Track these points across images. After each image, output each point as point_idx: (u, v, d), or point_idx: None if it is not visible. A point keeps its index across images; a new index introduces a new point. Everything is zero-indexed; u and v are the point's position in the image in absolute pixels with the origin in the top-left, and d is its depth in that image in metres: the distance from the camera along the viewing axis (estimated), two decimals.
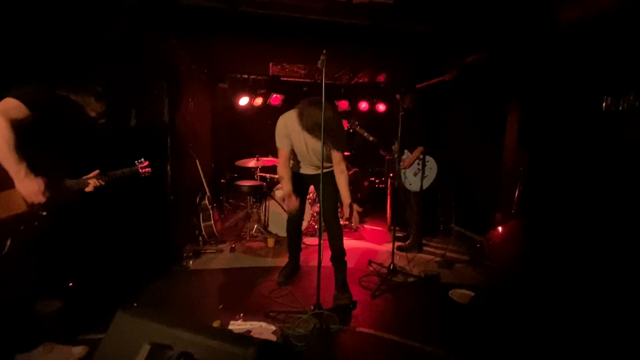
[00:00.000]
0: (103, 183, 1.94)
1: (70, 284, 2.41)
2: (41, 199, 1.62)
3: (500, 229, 3.08)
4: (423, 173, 3.47)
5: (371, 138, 3.54)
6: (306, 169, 2.66)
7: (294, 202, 2.46)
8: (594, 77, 2.56)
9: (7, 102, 1.53)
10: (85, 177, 1.90)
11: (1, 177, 1.55)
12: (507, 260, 2.99)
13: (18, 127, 1.53)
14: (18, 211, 1.61)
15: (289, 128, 2.42)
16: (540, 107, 3.11)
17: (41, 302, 1.92)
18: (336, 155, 2.47)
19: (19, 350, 1.70)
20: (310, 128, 2.25)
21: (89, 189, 1.90)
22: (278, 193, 4.03)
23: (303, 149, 2.48)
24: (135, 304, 2.36)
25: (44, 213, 1.69)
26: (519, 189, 3.06)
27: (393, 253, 2.96)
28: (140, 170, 2.19)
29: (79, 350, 1.80)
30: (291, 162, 2.65)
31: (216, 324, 2.13)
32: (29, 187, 1.58)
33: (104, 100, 1.93)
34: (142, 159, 2.21)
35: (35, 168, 1.63)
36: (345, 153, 4.89)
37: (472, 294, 2.64)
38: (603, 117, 2.42)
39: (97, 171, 1.96)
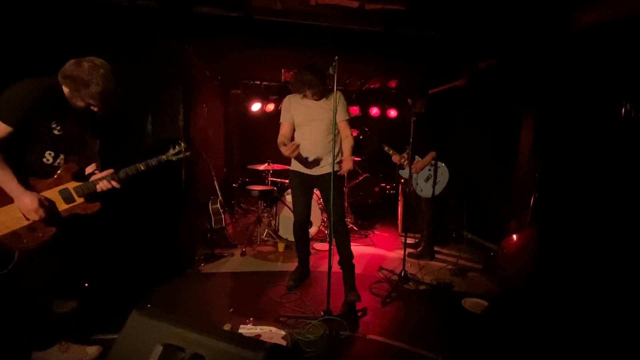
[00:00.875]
0: (117, 185, 1.76)
1: (86, 285, 2.47)
2: (35, 217, 1.56)
3: (514, 237, 3.01)
4: (435, 179, 3.43)
5: (387, 148, 3.54)
6: (311, 165, 2.55)
7: (291, 148, 2.32)
8: (612, 82, 2.50)
9: None
10: (95, 177, 1.76)
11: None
12: (521, 269, 2.92)
13: (1, 143, 1.48)
14: (17, 227, 1.58)
15: (291, 101, 2.59)
16: (556, 113, 3.05)
17: (57, 302, 1.96)
18: (341, 124, 2.55)
19: (35, 348, 1.75)
20: (316, 92, 2.41)
21: (101, 187, 1.74)
22: (289, 198, 4.04)
23: (306, 123, 2.52)
24: (149, 306, 2.39)
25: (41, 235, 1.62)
26: (534, 197, 3.00)
27: (404, 260, 2.93)
28: (173, 158, 1.91)
29: (93, 349, 1.83)
30: (295, 158, 2.62)
31: (226, 327, 2.14)
32: (22, 205, 1.54)
33: (106, 84, 1.63)
34: (179, 142, 1.95)
35: (35, 174, 1.61)
36: (356, 159, 4.86)
37: (486, 303, 2.58)
38: (622, 123, 2.36)
39: (110, 170, 1.79)
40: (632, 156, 2.34)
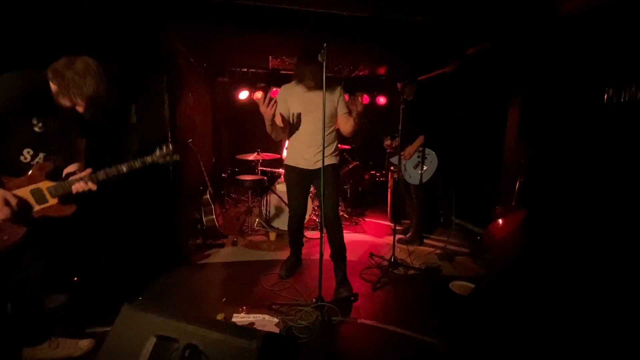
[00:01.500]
0: (93, 187, 1.64)
1: (75, 279, 2.44)
2: (3, 212, 1.47)
3: (500, 221, 3.09)
4: (423, 166, 3.47)
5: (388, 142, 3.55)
6: (308, 157, 2.50)
7: (270, 109, 2.22)
8: (596, 68, 2.54)
9: None
10: (72, 178, 1.65)
11: None
12: (507, 253, 3.01)
13: None
14: None
15: (288, 89, 2.51)
16: (542, 98, 3.10)
17: (47, 297, 1.94)
18: (343, 117, 2.52)
19: (25, 344, 1.73)
20: (315, 80, 2.32)
21: (76, 188, 1.62)
22: (279, 187, 4.04)
23: (303, 114, 2.46)
24: (140, 298, 2.38)
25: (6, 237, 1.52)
26: (520, 181, 3.07)
27: (394, 246, 2.98)
28: (160, 161, 1.78)
29: (85, 343, 1.82)
30: (290, 152, 2.61)
31: (220, 316, 2.16)
32: None
33: (93, 78, 1.57)
34: (167, 145, 1.80)
35: (8, 171, 1.53)
36: (346, 147, 4.86)
37: (473, 285, 2.67)
38: (605, 109, 2.41)
39: (88, 170, 1.67)
40: (613, 142, 2.41)
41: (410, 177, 3.58)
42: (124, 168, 1.70)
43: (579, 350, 1.97)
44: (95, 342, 1.84)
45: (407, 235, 3.72)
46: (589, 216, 2.54)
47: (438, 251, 3.43)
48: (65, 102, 1.58)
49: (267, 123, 2.34)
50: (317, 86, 2.38)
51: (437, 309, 2.44)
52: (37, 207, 1.61)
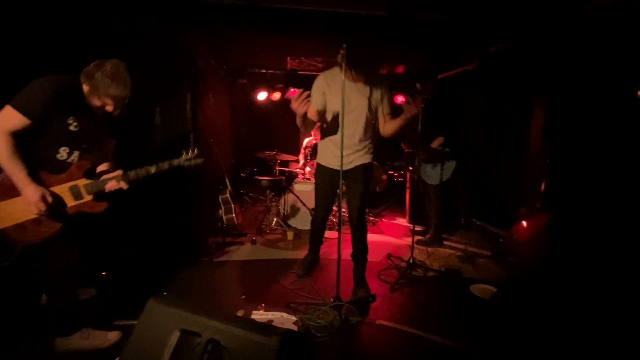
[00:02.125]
0: (125, 186, 1.77)
1: (103, 273, 2.56)
2: (36, 209, 1.57)
3: (524, 223, 3.00)
4: (442, 166, 3.40)
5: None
6: (335, 157, 2.31)
7: (304, 104, 2.00)
8: (628, 65, 2.42)
9: (4, 111, 1.51)
10: (105, 176, 1.78)
11: (8, 186, 1.57)
12: (531, 256, 2.91)
13: (18, 134, 1.52)
14: (23, 219, 1.60)
15: (328, 80, 2.22)
16: (569, 97, 2.97)
17: (78, 290, 2.04)
18: (386, 108, 2.29)
19: (58, 334, 1.83)
20: (363, 75, 2.08)
21: (109, 187, 1.75)
22: (297, 187, 4.07)
23: (339, 109, 2.10)
24: (165, 293, 2.46)
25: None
26: (545, 182, 2.96)
27: (412, 247, 2.95)
28: (185, 164, 1.87)
29: (113, 335, 1.90)
30: (322, 150, 2.47)
31: (240, 313, 2.21)
32: (28, 196, 1.55)
33: (121, 82, 1.67)
34: (193, 149, 1.90)
35: (47, 168, 1.64)
36: None
37: (494, 289, 2.59)
38: (638, 107, 2.29)
39: (119, 171, 1.79)
40: None
41: (428, 177, 3.52)
42: (153, 169, 1.80)
43: (604, 356, 1.88)
44: (122, 335, 1.91)
45: (427, 237, 3.66)
46: (620, 218, 2.42)
47: (458, 253, 3.36)
48: (96, 102, 1.69)
49: (298, 117, 2.12)
50: (365, 79, 2.15)
51: (457, 311, 2.39)
52: (73, 203, 1.72)
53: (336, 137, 2.31)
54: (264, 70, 5.49)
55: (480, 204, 4.01)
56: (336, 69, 2.23)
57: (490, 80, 3.93)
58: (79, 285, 2.06)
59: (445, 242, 3.64)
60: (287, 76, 5.48)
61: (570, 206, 2.82)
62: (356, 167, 2.38)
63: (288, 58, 4.75)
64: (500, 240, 3.38)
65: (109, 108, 1.72)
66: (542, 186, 2.96)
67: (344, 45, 1.95)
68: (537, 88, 3.35)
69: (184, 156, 1.88)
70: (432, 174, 3.48)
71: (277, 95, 5.54)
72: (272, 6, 2.82)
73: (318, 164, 2.58)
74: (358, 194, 2.41)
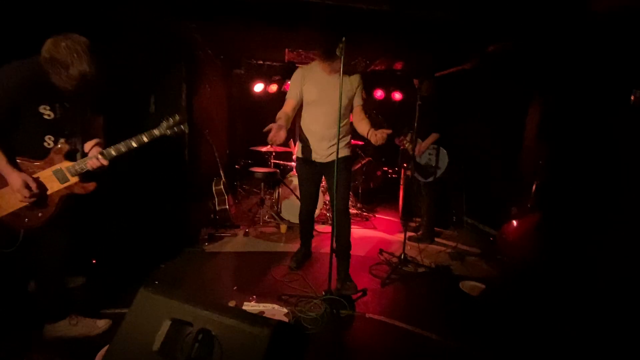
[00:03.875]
0: (105, 162, 1.71)
1: (94, 261, 2.54)
2: (24, 194, 1.55)
3: (515, 222, 3.04)
4: (437, 163, 3.43)
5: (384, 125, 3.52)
6: (319, 151, 2.45)
7: (279, 135, 2.14)
8: (622, 69, 2.45)
9: None
10: (86, 157, 1.73)
11: None
12: (520, 255, 2.96)
13: None
14: (17, 207, 1.60)
15: (304, 72, 2.36)
16: (565, 98, 3.00)
17: (67, 278, 2.03)
18: (357, 109, 2.44)
19: (47, 320, 1.82)
20: (337, 67, 2.15)
21: (90, 165, 1.69)
22: (291, 180, 4.06)
23: (318, 103, 2.31)
24: (156, 282, 2.46)
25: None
26: (537, 183, 3.00)
27: (404, 243, 2.98)
28: (168, 133, 1.77)
29: (102, 323, 1.90)
30: (301, 144, 2.52)
31: (231, 304, 2.21)
32: (11, 184, 1.54)
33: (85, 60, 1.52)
34: (174, 115, 1.79)
35: (33, 156, 1.62)
36: (359, 142, 4.82)
37: (483, 286, 2.64)
38: (631, 111, 2.33)
39: (98, 148, 1.75)
40: (638, 144, 2.32)
41: (422, 174, 3.55)
42: (134, 143, 1.73)
43: (590, 355, 1.93)
44: (111, 323, 1.91)
45: (418, 233, 3.70)
46: (611, 220, 2.47)
47: (449, 250, 3.40)
48: (64, 85, 1.56)
49: (270, 136, 2.19)
50: (335, 71, 2.26)
51: (445, 307, 2.43)
52: (61, 186, 1.70)
53: (313, 129, 2.43)
54: (261, 62, 5.43)
55: (472, 202, 4.05)
56: (314, 63, 2.38)
57: (487, 80, 3.95)
58: (68, 273, 2.04)
59: (436, 239, 3.68)
60: (284, 68, 5.43)
61: (561, 207, 2.86)
62: (337, 159, 2.38)
63: (286, 50, 4.71)
64: (491, 239, 3.43)
65: (68, 87, 1.57)
66: (534, 186, 3.01)
67: (343, 39, 1.95)
68: (533, 89, 3.37)
69: (165, 124, 1.77)
70: (425, 172, 3.50)
71: (274, 88, 5.50)
72: None
73: (298, 158, 2.59)
74: (342, 184, 2.41)
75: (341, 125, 2.33)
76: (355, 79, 2.41)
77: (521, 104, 3.48)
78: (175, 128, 1.79)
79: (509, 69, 3.62)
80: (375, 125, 2.43)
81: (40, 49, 1.53)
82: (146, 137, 1.75)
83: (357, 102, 2.46)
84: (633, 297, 2.15)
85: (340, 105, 2.16)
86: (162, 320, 1.25)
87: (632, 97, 2.31)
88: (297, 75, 2.39)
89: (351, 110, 2.49)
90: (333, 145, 2.38)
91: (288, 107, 2.37)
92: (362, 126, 2.43)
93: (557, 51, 3.05)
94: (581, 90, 2.81)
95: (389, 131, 2.25)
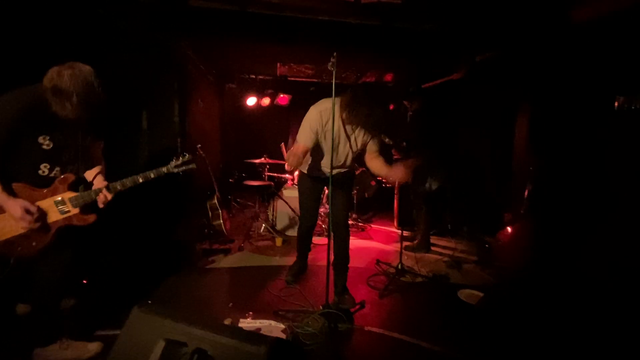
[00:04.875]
0: (109, 197, 1.72)
1: (84, 282, 2.47)
2: (26, 219, 1.52)
3: (509, 229, 3.06)
4: (433, 174, 3.46)
5: (387, 139, 3.56)
6: (322, 171, 2.43)
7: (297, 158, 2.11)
8: (606, 76, 2.53)
9: None
10: (93, 189, 1.73)
11: None
12: (516, 261, 2.97)
13: None
14: (11, 235, 1.56)
15: (323, 120, 2.14)
16: (551, 106, 3.08)
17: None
18: (372, 147, 2.33)
19: (37, 345, 1.75)
20: (356, 123, 2.11)
21: (99, 200, 1.70)
22: (286, 193, 4.05)
23: (330, 145, 2.12)
24: (150, 302, 2.40)
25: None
26: (529, 189, 3.04)
27: (401, 253, 2.97)
28: (175, 171, 1.82)
29: (94, 346, 1.84)
30: (307, 162, 2.43)
31: (227, 322, 2.16)
32: (10, 211, 1.51)
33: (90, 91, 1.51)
34: (183, 154, 1.85)
35: (32, 184, 1.59)
36: None
37: (481, 294, 2.63)
38: (615, 116, 2.39)
39: (104, 183, 1.74)
40: (624, 149, 2.38)
41: (419, 185, 3.57)
42: (140, 179, 1.76)
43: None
44: (103, 346, 1.85)
45: (415, 243, 3.69)
46: (600, 223, 2.50)
47: (446, 259, 3.40)
48: (63, 112, 1.52)
49: (294, 162, 2.12)
50: (357, 123, 2.17)
51: (445, 317, 2.40)
52: (60, 217, 1.67)
53: (322, 158, 2.35)
54: (253, 76, 5.49)
55: (468, 209, 4.08)
56: (328, 102, 2.15)
57: (478, 89, 4.04)
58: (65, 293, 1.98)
59: (433, 248, 3.67)
60: (276, 82, 5.49)
61: (553, 212, 2.89)
62: (339, 173, 2.39)
63: (278, 64, 4.77)
64: (487, 245, 3.44)
65: (71, 115, 1.54)
66: (526, 193, 3.04)
67: (335, 54, 1.98)
68: (521, 97, 3.45)
69: (174, 162, 1.84)
70: (423, 182, 3.53)
71: (266, 101, 5.54)
72: (262, 12, 2.83)
73: (302, 173, 2.57)
74: (343, 198, 2.43)
75: (350, 164, 2.35)
76: (371, 130, 2.26)
77: (510, 113, 3.55)
78: (183, 166, 1.85)
79: (497, 79, 3.71)
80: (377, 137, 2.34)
81: (42, 77, 1.51)
82: (153, 174, 1.78)
83: (373, 149, 2.34)
84: (630, 299, 2.15)
85: (333, 134, 2.09)
86: (156, 341, 1.22)
87: (616, 103, 2.38)
88: (315, 121, 2.16)
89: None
90: (343, 168, 2.41)
91: (300, 152, 2.15)
92: (377, 164, 2.33)
93: (543, 60, 3.14)
94: (567, 98, 2.88)
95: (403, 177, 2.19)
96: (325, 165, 2.38)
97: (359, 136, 2.28)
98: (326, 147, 2.25)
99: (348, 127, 2.24)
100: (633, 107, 2.31)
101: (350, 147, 2.30)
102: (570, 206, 2.75)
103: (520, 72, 3.42)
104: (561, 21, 2.74)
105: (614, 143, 2.45)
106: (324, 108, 2.17)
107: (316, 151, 2.31)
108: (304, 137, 2.19)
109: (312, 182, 2.52)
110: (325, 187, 2.68)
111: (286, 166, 2.23)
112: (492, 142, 3.89)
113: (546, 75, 3.13)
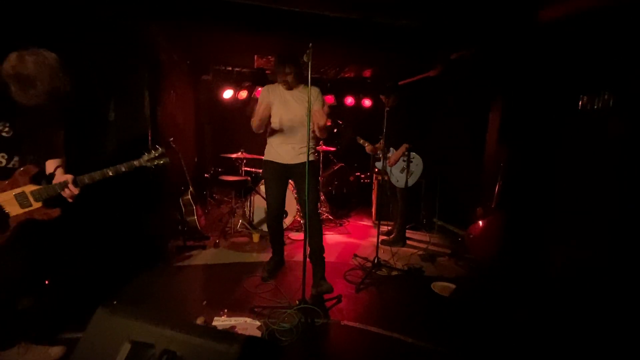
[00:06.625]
0: (76, 191, 1.62)
1: (46, 282, 2.33)
2: None
3: (480, 223, 3.17)
4: (409, 170, 3.51)
5: (361, 141, 3.63)
6: (284, 154, 2.53)
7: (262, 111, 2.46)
8: (572, 76, 2.64)
9: None
10: (55, 182, 1.62)
11: None
12: (486, 253, 3.09)
13: None
14: None
15: (269, 91, 2.53)
16: (521, 104, 3.20)
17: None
18: (314, 112, 2.48)
19: None
20: (287, 82, 2.44)
21: (65, 195, 1.61)
22: (263, 188, 3.99)
23: (283, 116, 2.48)
24: (115, 302, 2.29)
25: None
26: (499, 184, 3.15)
27: (377, 247, 3.00)
28: (148, 165, 1.77)
29: (56, 350, 1.74)
30: (268, 147, 2.61)
31: (200, 320, 2.11)
32: None
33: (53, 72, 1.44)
34: (156, 148, 1.80)
35: None
36: (331, 148, 4.87)
37: (454, 286, 2.71)
38: (579, 115, 2.51)
39: (69, 176, 1.62)
40: (587, 146, 2.50)
41: (397, 180, 3.62)
42: (110, 172, 1.68)
43: (556, 349, 2.03)
44: (66, 350, 1.75)
45: (391, 237, 3.75)
46: (564, 217, 2.63)
47: (420, 252, 3.48)
48: (24, 100, 1.46)
49: (258, 120, 2.45)
50: (295, 86, 2.50)
51: (419, 309, 2.46)
52: (20, 211, 1.56)
53: (278, 134, 2.55)
54: (230, 68, 5.34)
55: (442, 204, 4.19)
56: (275, 84, 2.58)
57: (453, 86, 4.13)
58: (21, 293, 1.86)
59: (408, 242, 3.75)
60: (254, 74, 5.37)
61: (522, 207, 3.02)
62: (304, 163, 2.38)
63: (255, 56, 4.66)
64: (459, 239, 3.55)
65: (36, 103, 1.47)
66: (497, 187, 3.15)
67: (310, 45, 1.95)
68: (493, 95, 3.56)
69: (146, 156, 1.77)
70: (401, 178, 3.57)
71: (243, 94, 5.41)
72: (239, 1, 2.74)
73: (265, 161, 2.62)
74: (310, 188, 2.41)
75: (303, 133, 2.43)
76: (315, 95, 2.46)
77: (483, 109, 3.66)
78: (156, 160, 1.79)
79: (471, 77, 3.81)
80: (342, 133, 2.53)
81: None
82: (125, 168, 1.72)
83: (315, 106, 2.48)
84: (594, 289, 2.29)
85: (310, 111, 2.16)
86: (121, 343, 1.15)
87: (580, 102, 2.49)
88: (263, 94, 2.56)
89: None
90: (299, 148, 2.51)
91: (262, 108, 2.49)
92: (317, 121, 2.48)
93: (514, 59, 3.24)
94: (536, 96, 3.00)
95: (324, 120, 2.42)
96: (281, 149, 2.54)
97: (304, 99, 2.45)
98: (278, 119, 2.51)
99: (294, 93, 2.52)
100: (595, 107, 2.43)
101: (305, 112, 2.35)
102: (537, 200, 2.88)
103: (493, 71, 3.52)
104: (529, 21, 2.83)
105: (577, 140, 2.57)
106: (269, 85, 2.58)
107: (273, 134, 2.55)
108: (261, 99, 2.53)
109: (274, 168, 2.57)
110: (291, 180, 2.74)
111: (255, 124, 2.48)
112: (465, 138, 4.00)
113: (517, 74, 3.24)
